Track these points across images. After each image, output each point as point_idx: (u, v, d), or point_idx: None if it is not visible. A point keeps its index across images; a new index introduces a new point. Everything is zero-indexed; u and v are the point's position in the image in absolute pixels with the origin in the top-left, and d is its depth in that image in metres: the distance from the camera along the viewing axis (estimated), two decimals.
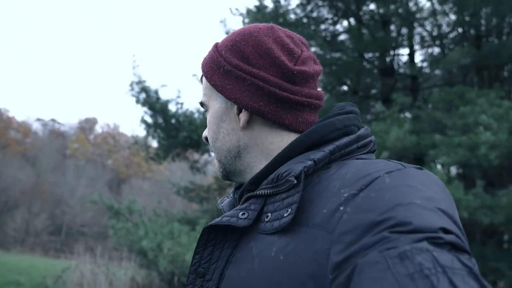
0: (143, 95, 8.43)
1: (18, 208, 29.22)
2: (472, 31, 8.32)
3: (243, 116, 0.74)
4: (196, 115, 8.36)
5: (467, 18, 7.99)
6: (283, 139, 0.73)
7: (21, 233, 28.34)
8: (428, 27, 8.96)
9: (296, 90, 0.72)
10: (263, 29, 0.76)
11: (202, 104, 0.83)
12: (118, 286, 7.88)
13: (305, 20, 9.03)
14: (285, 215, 0.61)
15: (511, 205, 5.29)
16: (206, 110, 0.82)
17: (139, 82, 8.39)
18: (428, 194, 0.54)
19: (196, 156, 9.76)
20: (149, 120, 8.68)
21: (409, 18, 8.25)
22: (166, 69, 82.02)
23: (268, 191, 0.66)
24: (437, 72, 9.00)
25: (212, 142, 0.79)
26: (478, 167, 6.23)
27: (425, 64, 9.20)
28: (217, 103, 0.77)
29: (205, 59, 0.81)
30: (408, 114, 8.00)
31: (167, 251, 5.88)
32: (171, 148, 8.87)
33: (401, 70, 9.23)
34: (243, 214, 0.66)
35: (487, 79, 8.19)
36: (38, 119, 47.31)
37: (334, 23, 9.41)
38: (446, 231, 0.50)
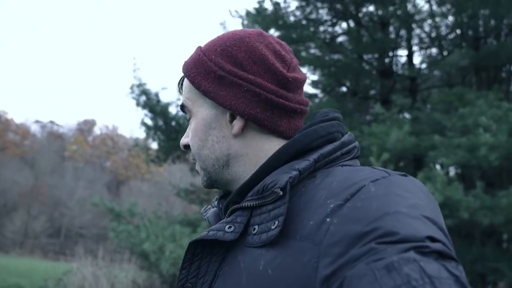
0: (143, 98, 8.46)
1: (17, 211, 29.16)
2: (470, 33, 8.37)
3: (238, 123, 0.73)
4: None
5: (465, 20, 8.04)
6: (273, 147, 0.72)
7: (20, 235, 28.29)
8: (427, 29, 9.01)
9: (291, 97, 0.72)
10: (254, 34, 0.75)
11: (182, 108, 0.80)
12: None
13: (304, 22, 9.07)
14: (272, 227, 0.60)
15: (511, 206, 5.33)
16: (189, 117, 0.78)
17: (140, 85, 8.42)
18: (413, 202, 0.54)
19: None
20: (149, 122, 8.71)
21: (408, 20, 8.30)
22: (166, 71, 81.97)
23: (254, 203, 0.64)
24: (436, 73, 9.05)
25: (198, 150, 0.76)
26: (477, 168, 6.28)
27: (423, 66, 9.25)
28: (204, 110, 0.75)
29: (187, 63, 0.77)
30: (407, 115, 8.05)
31: (169, 253, 5.90)
32: (171, 151, 8.89)
33: (400, 72, 9.28)
34: (230, 227, 0.65)
35: (485, 80, 8.24)
36: (37, 121, 47.29)
37: (333, 25, 9.45)
38: (432, 239, 0.50)
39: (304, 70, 9.67)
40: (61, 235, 30.42)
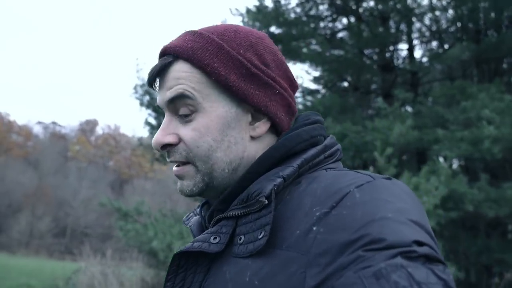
0: (147, 98, 8.51)
1: (22, 211, 29.33)
2: (471, 26, 8.39)
3: (263, 125, 0.70)
4: None
5: (465, 13, 8.06)
6: None
7: (26, 236, 28.46)
8: (427, 22, 9.03)
9: (295, 103, 0.73)
10: (264, 35, 0.73)
11: (175, 99, 0.67)
12: (129, 286, 7.99)
13: (304, 19, 9.10)
14: (259, 237, 0.58)
15: None
16: (189, 112, 0.67)
17: (143, 85, 8.47)
18: (399, 206, 0.54)
19: None
20: (153, 121, 8.76)
21: (408, 14, 8.32)
22: None
23: (239, 212, 0.63)
24: (437, 66, 9.08)
25: (208, 152, 0.67)
26: (481, 160, 6.33)
27: (424, 59, 9.27)
28: (222, 106, 0.68)
29: (194, 48, 0.68)
30: (409, 109, 8.09)
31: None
32: None
33: (401, 66, 9.31)
34: (215, 238, 0.63)
35: (487, 73, 8.27)
36: (39, 122, 47.45)
37: (334, 21, 9.48)
38: (419, 243, 0.50)
39: (305, 66, 9.74)
40: (66, 235, 30.61)
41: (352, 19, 9.12)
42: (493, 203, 5.41)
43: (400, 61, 9.47)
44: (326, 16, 9.32)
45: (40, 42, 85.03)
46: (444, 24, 8.93)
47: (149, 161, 10.90)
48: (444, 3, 8.41)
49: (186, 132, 0.68)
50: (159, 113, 8.64)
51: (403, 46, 9.42)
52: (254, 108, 0.69)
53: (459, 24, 8.63)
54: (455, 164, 7.57)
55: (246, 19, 8.74)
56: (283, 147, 0.67)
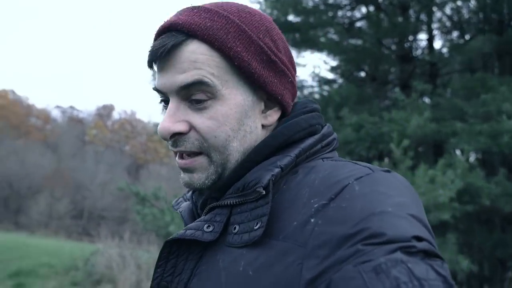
0: None
1: (41, 193, 30.08)
2: (494, 16, 8.20)
3: (274, 114, 0.69)
4: None
5: (489, 2, 7.87)
6: None
7: (45, 216, 29.22)
8: (448, 12, 8.85)
9: None
10: (271, 20, 0.70)
11: (196, 85, 0.62)
12: (146, 269, 8.22)
13: (322, 7, 9.01)
14: (255, 227, 0.57)
15: None
16: (206, 98, 0.63)
17: None
18: (398, 200, 0.53)
19: None
20: None
21: (429, 3, 8.17)
22: None
23: (234, 201, 0.61)
24: (457, 58, 8.93)
25: (225, 142, 0.64)
26: (499, 154, 6.27)
27: (444, 50, 9.12)
28: (240, 94, 0.65)
29: (215, 28, 0.62)
30: (427, 101, 8.00)
31: None
32: None
33: (420, 56, 9.18)
34: (208, 226, 0.61)
35: (508, 65, 8.10)
36: (57, 106, 48.24)
37: (352, 10, 9.36)
38: (419, 238, 0.49)
39: (322, 55, 9.68)
40: (83, 217, 31.35)
41: (371, 8, 9.00)
42: (510, 198, 5.37)
43: (419, 51, 9.33)
44: (345, 5, 9.21)
45: (59, 29, 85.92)
46: (466, 14, 8.74)
47: (164, 146, 11.05)
48: None
49: (202, 120, 0.63)
50: None
51: (422, 36, 9.29)
52: (267, 96, 0.67)
53: (481, 15, 8.44)
54: (472, 158, 7.51)
55: (264, 7, 8.71)
56: (281, 135, 0.65)
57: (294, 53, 9.03)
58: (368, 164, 0.61)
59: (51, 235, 25.36)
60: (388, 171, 0.60)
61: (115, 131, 45.47)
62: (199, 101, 0.63)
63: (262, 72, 0.64)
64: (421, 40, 9.34)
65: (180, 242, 0.63)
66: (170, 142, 0.66)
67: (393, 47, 9.39)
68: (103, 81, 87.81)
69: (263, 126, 0.68)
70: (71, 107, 48.75)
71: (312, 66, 12.78)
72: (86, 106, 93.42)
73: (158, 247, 9.48)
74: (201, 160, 0.65)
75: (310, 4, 8.80)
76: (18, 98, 43.33)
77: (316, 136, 0.67)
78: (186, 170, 0.66)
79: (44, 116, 44.24)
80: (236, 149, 0.65)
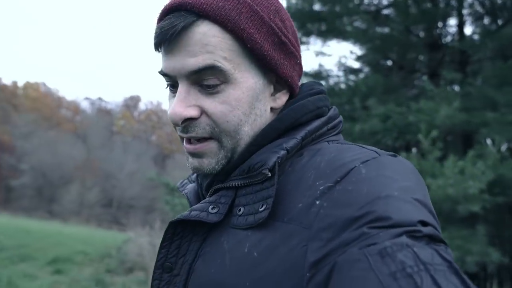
0: None
1: (73, 182, 31.12)
2: None
3: (283, 96, 0.68)
4: None
5: None
6: None
7: (76, 205, 30.26)
8: None
9: None
10: None
11: (208, 69, 0.60)
12: None
13: None
14: (260, 209, 0.57)
15: None
16: (217, 83, 0.61)
17: None
18: (404, 184, 0.53)
19: None
20: None
21: None
22: None
23: (240, 183, 0.61)
24: (489, 45, 8.65)
25: (237, 126, 0.63)
26: None
27: (475, 37, 8.84)
28: (252, 77, 0.63)
29: (226, 8, 0.60)
30: (457, 90, 7.81)
31: None
32: None
33: (450, 44, 8.93)
34: (213, 208, 0.61)
35: None
36: (86, 98, 49.54)
37: None
38: (424, 223, 0.49)
39: (349, 45, 9.58)
40: (113, 206, 32.29)
41: None
42: None
43: (449, 38, 9.08)
44: None
45: (88, 24, 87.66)
46: None
47: None
48: None
49: (214, 105, 0.62)
50: None
51: (452, 23, 9.02)
52: (277, 79, 0.66)
53: None
54: (504, 148, 7.32)
55: None
56: (288, 118, 0.65)
57: (319, 43, 8.97)
58: (374, 148, 0.60)
59: (83, 223, 26.25)
60: (394, 155, 0.59)
61: (142, 122, 46.35)
62: (212, 86, 0.61)
63: (273, 55, 0.63)
64: (451, 26, 9.08)
65: (185, 223, 0.62)
66: (180, 127, 0.64)
67: (421, 34, 9.16)
68: (130, 73, 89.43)
69: (271, 108, 0.67)
70: (100, 99, 49.98)
71: (338, 56, 12.62)
72: (113, 97, 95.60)
73: None
74: (211, 145, 0.64)
75: None
76: (49, 90, 44.79)
77: (323, 119, 0.66)
78: (195, 155, 0.65)
79: (74, 107, 45.53)
80: (247, 133, 0.64)
